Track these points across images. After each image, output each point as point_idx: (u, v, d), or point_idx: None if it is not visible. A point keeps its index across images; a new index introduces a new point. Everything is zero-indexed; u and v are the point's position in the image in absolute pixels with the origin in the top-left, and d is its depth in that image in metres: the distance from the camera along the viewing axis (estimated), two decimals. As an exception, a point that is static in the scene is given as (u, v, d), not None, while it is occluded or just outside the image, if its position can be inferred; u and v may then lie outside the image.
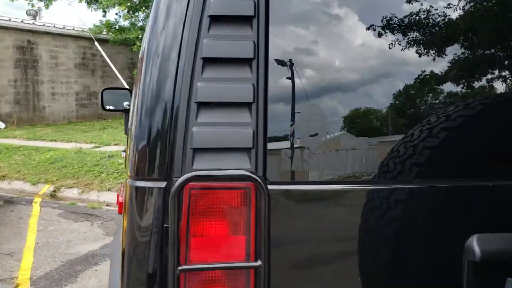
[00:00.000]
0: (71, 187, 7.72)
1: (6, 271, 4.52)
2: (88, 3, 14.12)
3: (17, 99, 14.05)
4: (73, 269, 4.61)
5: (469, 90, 1.18)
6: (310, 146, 1.03)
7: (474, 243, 1.02)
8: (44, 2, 14.08)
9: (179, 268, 0.90)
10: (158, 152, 0.96)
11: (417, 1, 1.12)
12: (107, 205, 7.09)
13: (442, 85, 1.18)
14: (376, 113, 1.12)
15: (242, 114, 0.95)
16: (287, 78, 1.01)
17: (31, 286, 4.19)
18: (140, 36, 14.74)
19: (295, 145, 1.02)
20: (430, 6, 1.12)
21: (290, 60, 1.02)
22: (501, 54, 1.21)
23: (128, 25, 14.84)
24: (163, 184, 0.96)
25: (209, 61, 0.94)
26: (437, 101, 1.18)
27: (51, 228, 5.85)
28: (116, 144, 11.17)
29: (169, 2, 0.99)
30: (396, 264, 1.07)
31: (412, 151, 1.10)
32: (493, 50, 1.22)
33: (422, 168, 1.06)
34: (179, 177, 0.91)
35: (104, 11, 14.55)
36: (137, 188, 0.98)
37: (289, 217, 1.01)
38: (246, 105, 0.96)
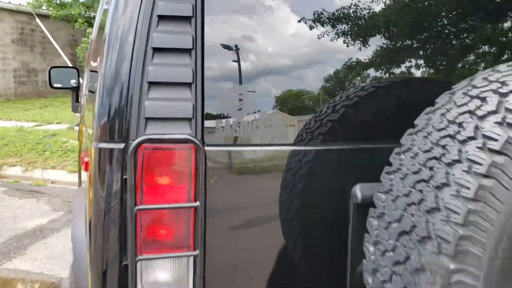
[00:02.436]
0: (13, 165, 7.63)
1: (-49, 247, 4.55)
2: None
3: None
4: (21, 242, 4.71)
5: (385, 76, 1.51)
6: (237, 118, 1.33)
7: (357, 190, 1.38)
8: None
9: (136, 208, 1.19)
10: (117, 121, 1.23)
11: None
12: (52, 182, 7.11)
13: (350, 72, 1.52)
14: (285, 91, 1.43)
15: (184, 92, 1.24)
16: (219, 64, 1.31)
17: (-21, 259, 4.27)
18: (83, 12, 14.37)
19: (226, 116, 1.32)
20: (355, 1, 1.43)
21: (222, 48, 1.32)
22: (415, 45, 1.55)
23: (70, 0, 14.38)
24: (122, 146, 1.23)
25: (157, 50, 1.22)
26: (337, 87, 1.51)
27: (-4, 205, 5.85)
28: (58, 123, 11.01)
29: (126, 3, 1.25)
30: (304, 210, 1.41)
31: (319, 123, 1.44)
32: (409, 41, 1.57)
33: (324, 135, 1.40)
34: (134, 140, 1.19)
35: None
36: (100, 149, 1.25)
37: (220, 170, 1.32)
38: (187, 84, 1.24)
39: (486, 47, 1.67)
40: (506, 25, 1.77)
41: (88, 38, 13.10)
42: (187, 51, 1.25)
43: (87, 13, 14.50)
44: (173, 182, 1.25)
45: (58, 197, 6.31)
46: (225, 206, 1.33)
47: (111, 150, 1.24)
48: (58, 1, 14.33)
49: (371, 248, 1.14)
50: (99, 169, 1.26)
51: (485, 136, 0.97)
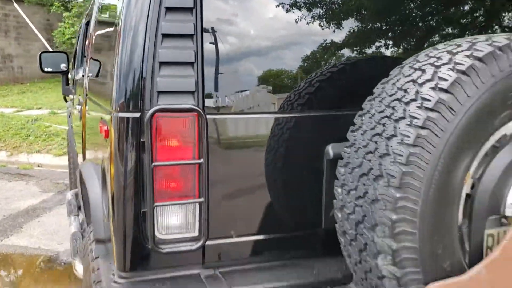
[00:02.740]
0: (-2, 150, 7.76)
1: (-51, 227, 4.74)
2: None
3: None
4: (16, 221, 4.93)
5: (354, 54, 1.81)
6: (230, 92, 1.63)
7: (330, 149, 1.70)
8: None
9: (152, 164, 1.48)
10: (134, 94, 1.51)
11: None
12: (39, 166, 7.28)
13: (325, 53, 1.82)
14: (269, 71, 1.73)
15: (188, 70, 1.52)
16: (216, 47, 1.60)
17: (-23, 237, 4.49)
18: (58, -4, 14.24)
19: (220, 90, 1.62)
20: None
21: (216, 34, 1.60)
22: (383, 27, 1.86)
23: (44, -16, 14.19)
24: (138, 115, 1.51)
25: (166, 36, 1.50)
26: (315, 64, 1.81)
27: (-14, 188, 6.01)
28: (39, 108, 11.05)
29: None
30: (287, 166, 1.71)
31: (298, 95, 1.74)
32: (376, 24, 1.87)
33: (301, 105, 1.71)
34: (149, 110, 1.48)
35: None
36: (120, 118, 1.53)
37: (218, 133, 1.63)
38: (190, 64, 1.52)
39: (450, 28, 2.00)
40: (466, 8, 2.10)
41: (64, 22, 13.04)
42: (189, 36, 1.53)
43: (62, -3, 14.39)
44: (181, 143, 1.54)
45: (46, 179, 6.50)
46: (223, 162, 1.63)
47: (128, 118, 1.52)
48: (32, -15, 14.15)
49: (339, 190, 1.46)
50: (119, 134, 1.54)
51: (422, 98, 1.29)
